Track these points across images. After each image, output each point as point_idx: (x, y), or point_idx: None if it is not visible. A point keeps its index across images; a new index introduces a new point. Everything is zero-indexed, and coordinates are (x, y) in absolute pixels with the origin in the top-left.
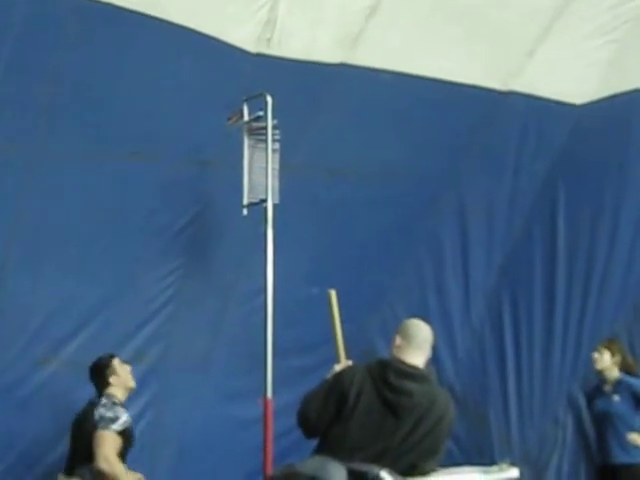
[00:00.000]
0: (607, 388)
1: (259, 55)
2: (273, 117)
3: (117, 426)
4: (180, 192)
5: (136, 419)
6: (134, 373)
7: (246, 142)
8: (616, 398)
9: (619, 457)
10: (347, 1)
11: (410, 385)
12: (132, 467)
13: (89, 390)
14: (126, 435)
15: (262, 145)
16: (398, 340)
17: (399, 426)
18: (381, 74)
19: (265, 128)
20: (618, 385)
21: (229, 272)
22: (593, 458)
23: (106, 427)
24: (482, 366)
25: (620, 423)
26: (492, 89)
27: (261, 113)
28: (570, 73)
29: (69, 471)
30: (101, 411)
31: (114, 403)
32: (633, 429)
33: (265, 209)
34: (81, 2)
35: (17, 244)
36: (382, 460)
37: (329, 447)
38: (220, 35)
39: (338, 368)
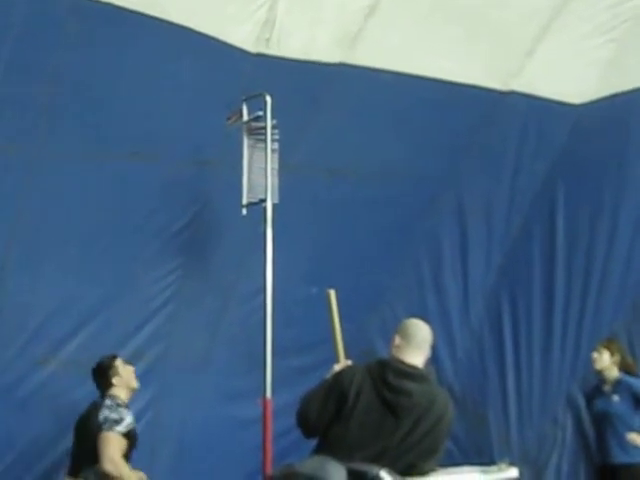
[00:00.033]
0: (606, 388)
1: (258, 55)
2: (272, 117)
3: (122, 428)
4: (179, 192)
5: (136, 419)
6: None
7: (245, 142)
8: (615, 398)
9: (618, 457)
10: (346, 1)
11: (409, 385)
12: (132, 467)
13: (89, 390)
14: (130, 436)
15: (261, 145)
16: (397, 340)
17: (398, 426)
18: (380, 74)
19: (264, 128)
20: (617, 385)
21: (228, 272)
22: (592, 458)
23: (111, 429)
24: (481, 366)
25: (619, 423)
26: (491, 89)
27: (260, 113)
28: (569, 73)
29: (73, 473)
30: (105, 413)
31: (118, 404)
32: (632, 429)
33: (264, 209)
34: (81, 2)
35: (17, 244)
36: (381, 460)
37: (328, 447)
38: (219, 35)
39: (337, 368)
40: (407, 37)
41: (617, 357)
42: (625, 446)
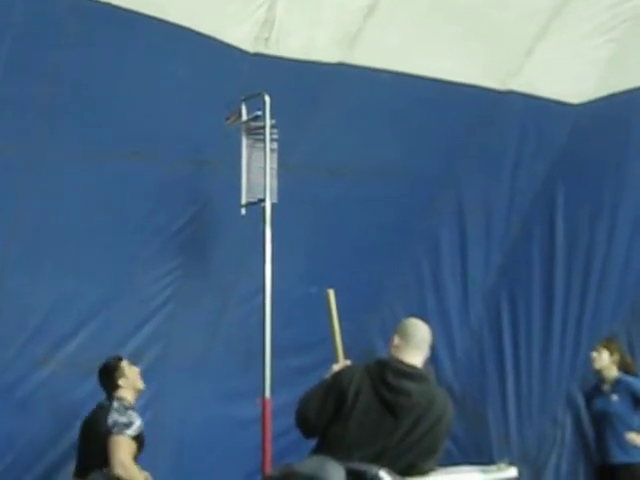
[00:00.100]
0: (606, 387)
1: (257, 55)
2: (271, 117)
3: (131, 431)
4: (179, 192)
5: None
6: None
7: (244, 142)
8: (615, 397)
9: (618, 457)
10: (345, 1)
11: (408, 385)
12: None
13: (88, 390)
14: (139, 439)
15: (260, 145)
16: (396, 340)
17: (398, 426)
18: (379, 74)
19: (263, 128)
20: (617, 384)
21: (227, 272)
22: (592, 458)
23: (120, 432)
24: (481, 366)
25: (619, 423)
26: (490, 89)
27: (259, 113)
28: (569, 72)
29: (80, 474)
30: (114, 416)
31: (126, 407)
32: (632, 428)
33: (263, 209)
34: (80, 2)
35: (16, 244)
36: (381, 459)
37: (328, 447)
38: (218, 35)
39: (336, 368)
40: (406, 37)
41: (616, 357)
42: (624, 446)
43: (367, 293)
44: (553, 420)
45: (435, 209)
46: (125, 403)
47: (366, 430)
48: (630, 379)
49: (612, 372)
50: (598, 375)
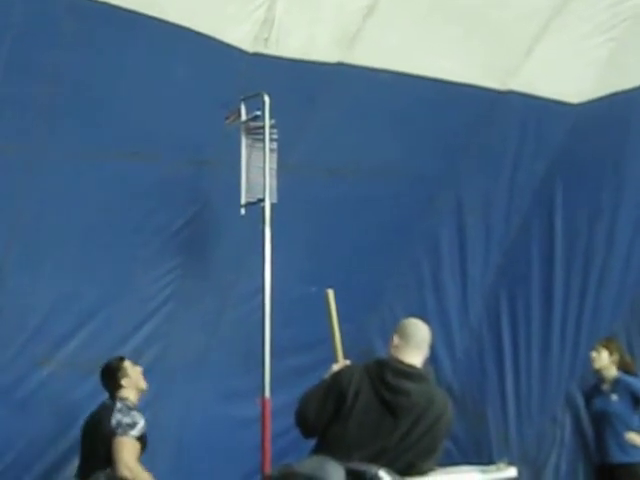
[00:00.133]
0: (605, 387)
1: (257, 54)
2: (271, 116)
3: (135, 432)
4: (178, 192)
5: None
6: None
7: (244, 141)
8: (614, 397)
9: (617, 456)
10: (345, 1)
11: (408, 384)
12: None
13: (88, 390)
14: (143, 440)
15: (260, 144)
16: (396, 340)
17: (397, 425)
18: (379, 74)
19: (263, 127)
20: (616, 384)
21: (227, 271)
22: (591, 457)
23: (125, 433)
24: (480, 365)
25: (618, 422)
26: (490, 89)
27: (259, 112)
28: (568, 72)
29: (83, 475)
30: (118, 417)
31: (129, 408)
32: (631, 428)
33: (263, 208)
34: (79, 1)
35: (16, 244)
36: (380, 459)
37: (327, 447)
38: (218, 35)
39: (336, 368)
40: (406, 37)
41: (616, 356)
42: (624, 445)
43: (367, 293)
44: (552, 420)
45: (434, 209)
46: (128, 403)
47: (366, 430)
48: (630, 379)
49: (611, 372)
50: (597, 375)
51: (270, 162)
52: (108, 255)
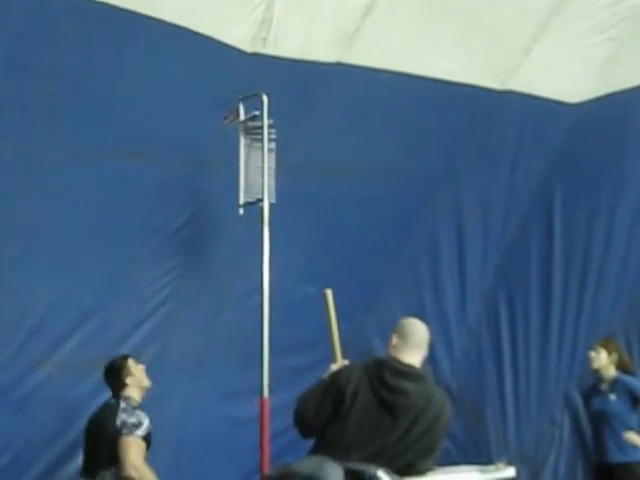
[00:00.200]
0: (604, 387)
1: (255, 54)
2: (269, 116)
3: (141, 431)
4: (177, 191)
5: None
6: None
7: (242, 141)
8: (613, 397)
9: (616, 456)
10: (343, 0)
11: (406, 384)
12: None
13: (86, 390)
14: (148, 439)
15: (258, 144)
16: (394, 339)
17: (395, 425)
18: (377, 73)
19: (261, 127)
20: (615, 384)
21: (225, 271)
22: (590, 457)
23: (130, 433)
24: (479, 365)
25: (617, 422)
26: (489, 88)
27: (257, 112)
28: (567, 72)
29: (87, 474)
30: (122, 416)
31: (134, 407)
32: (630, 428)
33: (261, 208)
34: (78, 1)
35: (15, 243)
36: (379, 459)
37: (326, 446)
38: (216, 35)
39: (334, 367)
40: (404, 36)
41: (614, 356)
42: (622, 445)
43: (365, 293)
44: (551, 419)
45: (433, 209)
46: (132, 403)
47: (364, 430)
48: (628, 378)
49: (610, 371)
50: (596, 374)
51: (268, 162)
52: (106, 255)
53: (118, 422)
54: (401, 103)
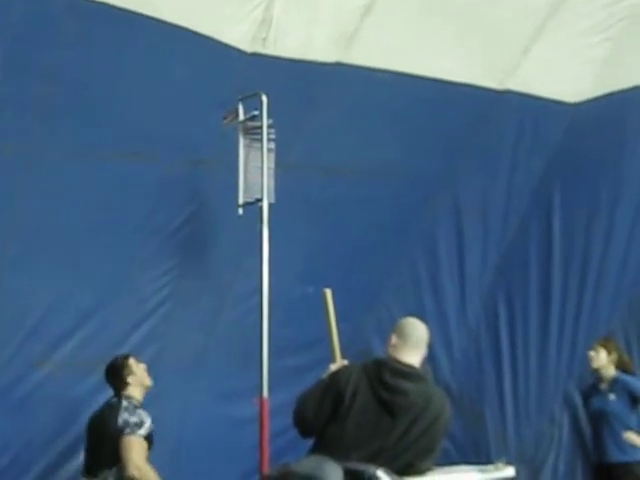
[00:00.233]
0: (603, 386)
1: (254, 54)
2: (268, 116)
3: (143, 431)
4: (176, 191)
5: None
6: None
7: (241, 141)
8: (612, 397)
9: (615, 456)
10: (342, 0)
11: (405, 384)
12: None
13: (86, 390)
14: (150, 439)
15: (257, 144)
16: (394, 339)
17: (395, 425)
18: (377, 73)
19: (260, 127)
20: (614, 384)
21: (225, 271)
22: (589, 457)
23: (132, 433)
24: (478, 365)
25: (616, 422)
26: (488, 88)
27: (256, 112)
28: (565, 71)
29: (90, 474)
30: (124, 416)
31: (135, 406)
32: (629, 428)
33: (260, 208)
34: (77, 1)
35: (15, 243)
36: (378, 459)
37: (325, 446)
38: (215, 35)
39: (334, 367)
40: (403, 36)
41: (614, 356)
42: (622, 445)
43: (364, 293)
44: (550, 419)
45: (432, 209)
46: (134, 402)
47: (363, 430)
48: (628, 378)
49: (610, 371)
50: (596, 374)
51: (268, 162)
52: (106, 255)
53: (120, 421)
54: (400, 103)
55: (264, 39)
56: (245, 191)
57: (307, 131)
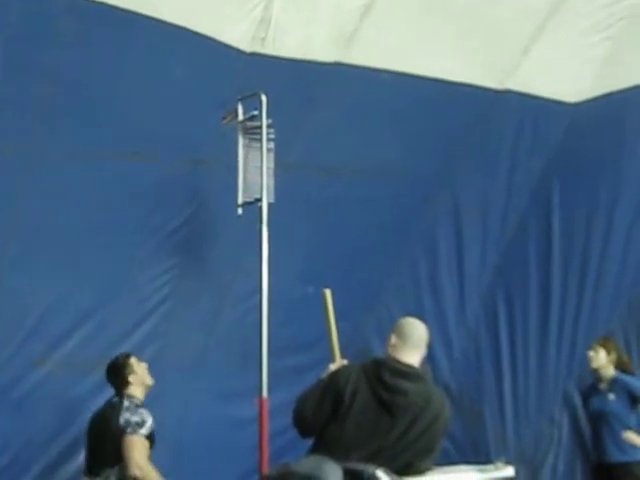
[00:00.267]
0: (603, 386)
1: (254, 54)
2: (268, 116)
3: (145, 430)
4: (175, 191)
5: None
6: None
7: (241, 141)
8: (611, 396)
9: (614, 455)
10: (342, 0)
11: (405, 384)
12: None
13: (85, 389)
14: (151, 438)
15: (257, 144)
16: (393, 339)
17: (394, 425)
18: (376, 73)
19: (260, 127)
20: (614, 383)
21: (224, 271)
22: (589, 457)
23: (134, 432)
24: (477, 365)
25: (615, 421)
26: (487, 88)
27: (256, 112)
28: (565, 71)
29: (91, 473)
30: (126, 415)
31: (137, 405)
32: (628, 427)
33: (260, 208)
34: (76, 1)
35: (15, 243)
36: (378, 459)
37: (325, 446)
38: (215, 34)
39: (333, 367)
40: (403, 36)
41: (613, 355)
42: (621, 445)
43: (364, 293)
44: (550, 419)
45: (431, 208)
46: (135, 401)
47: (363, 430)
48: (627, 378)
49: (609, 371)
50: (595, 374)
51: (267, 162)
52: (105, 255)
53: (122, 421)
54: (399, 103)
55: (263, 39)
56: (244, 191)
57: (307, 131)
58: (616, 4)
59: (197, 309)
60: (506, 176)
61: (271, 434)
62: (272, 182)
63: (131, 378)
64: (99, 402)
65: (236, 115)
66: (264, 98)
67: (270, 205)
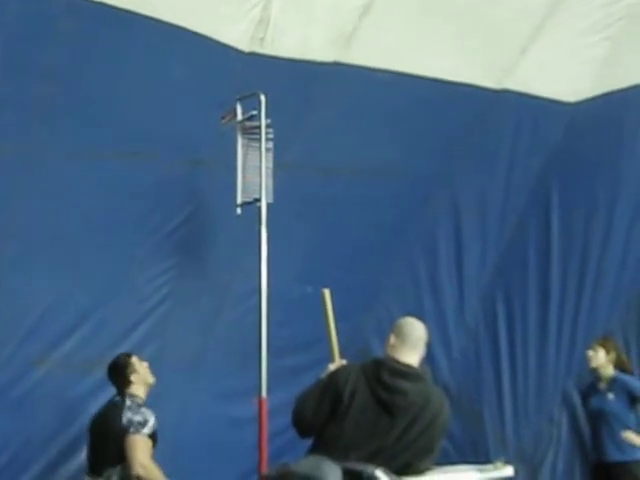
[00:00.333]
0: (602, 386)
1: (252, 54)
2: (267, 116)
3: (147, 429)
4: (174, 191)
5: None
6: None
7: (240, 141)
8: (611, 396)
9: (613, 455)
10: (340, 0)
11: (404, 384)
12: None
13: (85, 389)
14: (154, 437)
15: (256, 144)
16: (392, 339)
17: (394, 425)
18: (375, 73)
19: (259, 127)
20: (613, 383)
21: (223, 271)
22: (588, 456)
23: (137, 432)
24: (477, 365)
25: (615, 421)
26: (486, 87)
27: (254, 112)
28: (564, 71)
29: (94, 472)
30: (128, 415)
31: (139, 405)
32: (627, 427)
33: (259, 208)
34: (75, 1)
35: (15, 243)
36: (377, 459)
37: (324, 446)
38: (213, 34)
39: (332, 367)
40: (401, 36)
41: (613, 355)
42: (620, 444)
43: (363, 293)
44: (549, 419)
45: (431, 208)
46: (138, 400)
47: (362, 430)
48: (626, 377)
49: (608, 370)
50: (594, 373)
51: (266, 162)
52: (104, 255)
53: (124, 420)
54: (398, 103)
55: (262, 39)
56: (243, 191)
57: (305, 131)
58: (614, 4)
59: (196, 309)
60: (505, 176)
61: (270, 434)
62: (271, 182)
63: (133, 377)
64: (98, 402)
65: (235, 115)
66: (263, 98)
67: (269, 205)
